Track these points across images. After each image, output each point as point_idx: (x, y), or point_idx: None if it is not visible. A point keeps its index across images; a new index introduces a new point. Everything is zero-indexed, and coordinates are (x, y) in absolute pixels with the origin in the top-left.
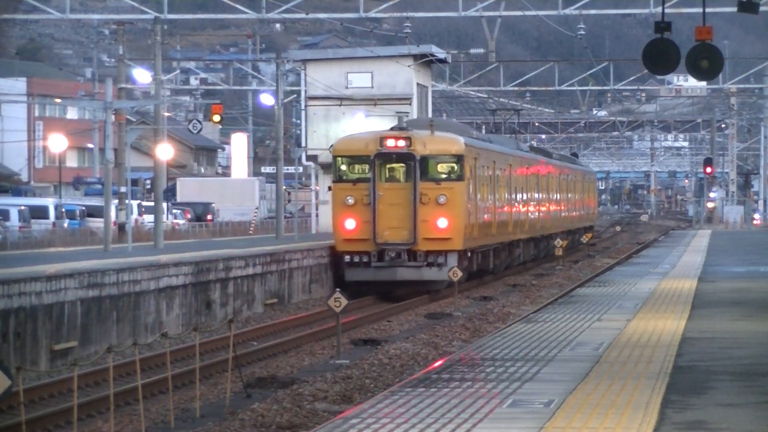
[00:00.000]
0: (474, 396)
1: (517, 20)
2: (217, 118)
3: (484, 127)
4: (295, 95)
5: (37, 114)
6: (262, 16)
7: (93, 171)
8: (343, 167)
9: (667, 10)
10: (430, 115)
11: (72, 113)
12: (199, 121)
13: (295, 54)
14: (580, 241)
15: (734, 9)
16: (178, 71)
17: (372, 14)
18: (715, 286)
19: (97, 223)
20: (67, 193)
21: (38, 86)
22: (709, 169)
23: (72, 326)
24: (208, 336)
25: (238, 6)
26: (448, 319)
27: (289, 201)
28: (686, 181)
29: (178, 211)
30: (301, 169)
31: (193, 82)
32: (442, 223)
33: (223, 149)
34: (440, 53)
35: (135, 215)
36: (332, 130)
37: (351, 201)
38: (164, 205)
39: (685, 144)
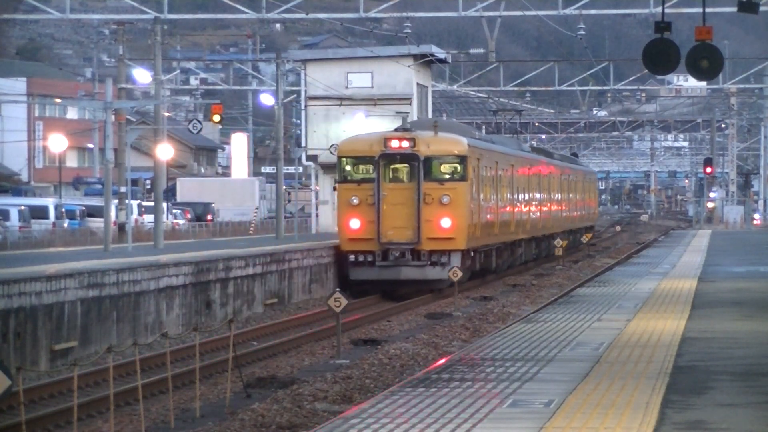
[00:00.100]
0: (474, 396)
1: (517, 20)
2: (217, 118)
3: (484, 127)
4: (295, 95)
5: (37, 114)
6: (262, 16)
7: (93, 171)
8: (348, 168)
9: (667, 10)
10: (430, 115)
11: (72, 113)
12: (199, 121)
13: (295, 54)
14: (581, 241)
15: (734, 9)
16: (178, 71)
17: (372, 14)
18: (715, 286)
19: (97, 223)
20: (67, 193)
21: (38, 86)
22: (709, 169)
23: (72, 326)
24: (208, 336)
25: (238, 6)
26: (448, 319)
27: (289, 201)
28: (686, 181)
29: (178, 211)
30: (301, 169)
31: (193, 82)
32: (446, 222)
33: (223, 149)
34: (440, 53)
35: (135, 215)
36: (332, 130)
37: (356, 201)
38: (164, 205)
39: (685, 144)
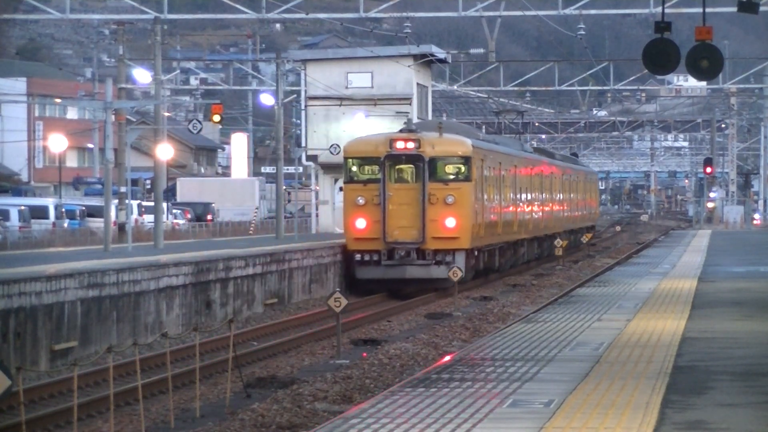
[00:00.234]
0: (474, 396)
1: (517, 20)
2: (217, 118)
3: (484, 127)
4: (295, 95)
5: (37, 114)
6: (262, 16)
7: (93, 171)
8: (354, 168)
9: (667, 10)
10: (429, 115)
11: (72, 113)
12: (199, 121)
13: (295, 54)
14: (581, 241)
15: (734, 9)
16: (178, 71)
17: (372, 14)
18: (715, 286)
19: (97, 223)
20: (67, 193)
21: (38, 86)
22: (709, 169)
23: (72, 326)
24: (208, 336)
25: (238, 6)
26: (448, 319)
27: (289, 201)
28: (686, 181)
29: (178, 211)
30: (301, 169)
31: (193, 82)
32: (450, 222)
33: (223, 149)
34: (440, 53)
35: (135, 215)
36: (332, 130)
37: (362, 201)
38: (164, 205)
39: (685, 144)
